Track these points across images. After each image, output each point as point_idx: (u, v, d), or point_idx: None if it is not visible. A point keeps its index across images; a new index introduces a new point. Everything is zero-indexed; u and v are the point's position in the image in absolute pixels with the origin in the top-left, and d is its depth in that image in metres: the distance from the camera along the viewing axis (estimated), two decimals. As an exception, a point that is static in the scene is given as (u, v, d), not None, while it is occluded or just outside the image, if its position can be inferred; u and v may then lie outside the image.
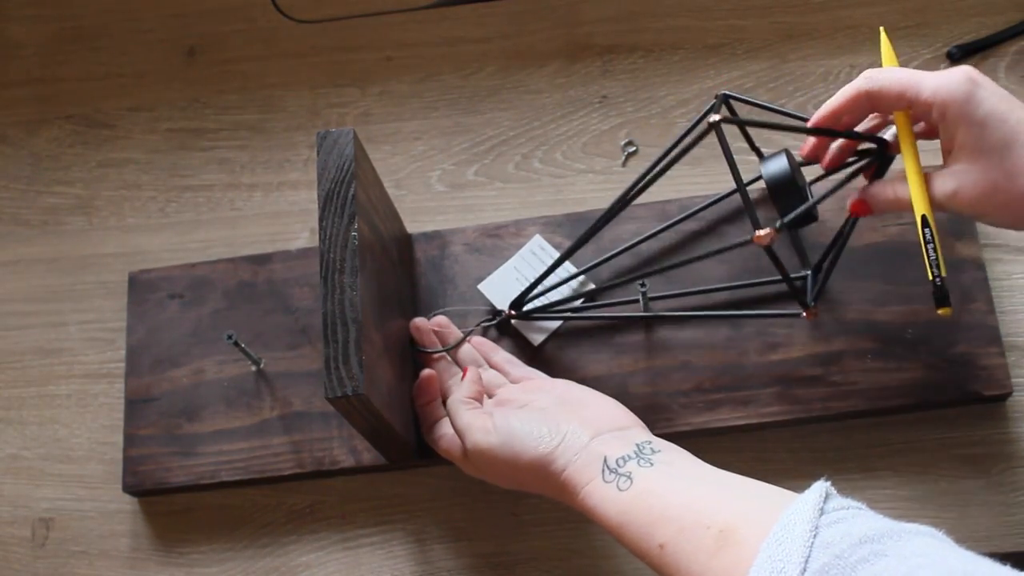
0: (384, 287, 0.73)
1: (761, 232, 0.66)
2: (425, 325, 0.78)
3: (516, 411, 0.70)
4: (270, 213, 0.90)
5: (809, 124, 0.69)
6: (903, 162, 0.67)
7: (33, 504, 0.83)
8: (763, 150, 0.78)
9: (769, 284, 0.79)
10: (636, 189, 0.73)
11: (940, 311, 0.66)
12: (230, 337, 0.78)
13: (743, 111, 0.77)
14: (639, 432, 0.68)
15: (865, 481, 0.77)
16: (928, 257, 0.66)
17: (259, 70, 0.95)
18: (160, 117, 0.94)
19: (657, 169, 0.72)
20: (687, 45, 0.92)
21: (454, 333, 0.79)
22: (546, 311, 0.79)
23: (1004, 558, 0.53)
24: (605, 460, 0.64)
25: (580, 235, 0.75)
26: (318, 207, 0.68)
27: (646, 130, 0.89)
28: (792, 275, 0.71)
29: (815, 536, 0.51)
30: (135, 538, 0.81)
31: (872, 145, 0.70)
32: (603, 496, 0.63)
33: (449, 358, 0.78)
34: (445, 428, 0.73)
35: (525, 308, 0.79)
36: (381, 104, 0.93)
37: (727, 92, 0.72)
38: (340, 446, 0.79)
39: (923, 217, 0.65)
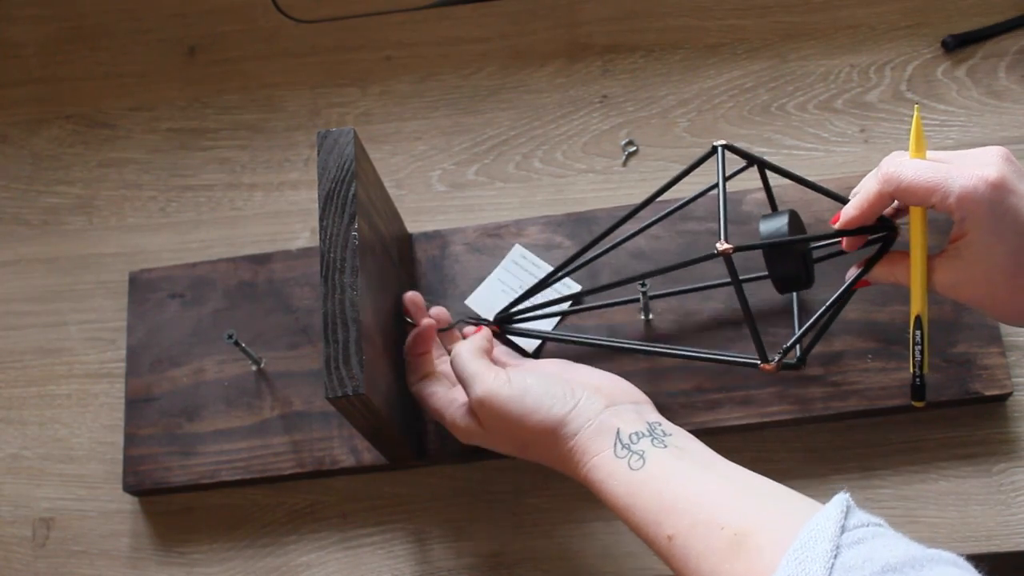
0: (384, 287, 0.73)
1: (767, 366, 0.67)
2: (420, 301, 0.75)
3: (531, 371, 0.69)
4: (270, 213, 0.90)
5: (838, 226, 0.66)
6: (909, 245, 0.65)
7: (33, 504, 0.83)
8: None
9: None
10: (628, 215, 0.75)
11: (916, 403, 0.66)
12: (230, 337, 0.78)
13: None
14: (650, 411, 0.67)
15: (865, 481, 0.77)
16: (914, 357, 0.66)
17: (259, 70, 0.95)
18: (160, 117, 0.94)
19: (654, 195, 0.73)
20: (687, 45, 0.92)
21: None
22: (531, 329, 0.78)
23: (1004, 558, 0.53)
24: (618, 433, 0.63)
25: (572, 255, 0.75)
26: (318, 207, 0.68)
27: (646, 130, 0.89)
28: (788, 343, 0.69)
29: (836, 557, 0.50)
30: (135, 538, 0.81)
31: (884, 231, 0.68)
32: (611, 471, 0.62)
33: (443, 348, 0.77)
34: (437, 386, 0.72)
35: (513, 318, 0.78)
36: (381, 104, 0.93)
37: (728, 144, 0.69)
38: (340, 446, 0.79)
39: (917, 318, 0.65)
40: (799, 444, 0.78)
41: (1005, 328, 0.78)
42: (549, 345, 0.80)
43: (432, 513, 0.80)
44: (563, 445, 0.64)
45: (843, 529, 0.51)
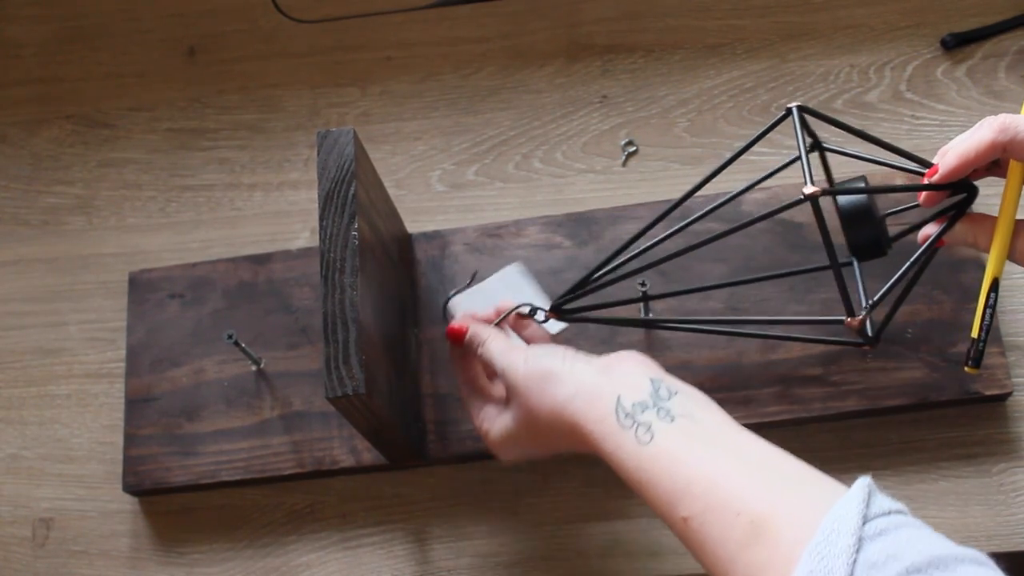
0: (384, 287, 0.73)
1: (852, 321, 0.64)
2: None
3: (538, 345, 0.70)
4: (270, 213, 0.90)
5: (936, 178, 0.63)
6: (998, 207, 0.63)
7: (33, 504, 0.83)
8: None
9: (773, 279, 0.78)
10: (702, 184, 0.72)
11: (970, 369, 0.65)
12: (230, 337, 0.78)
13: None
14: (652, 368, 0.65)
15: (865, 481, 0.77)
16: (983, 321, 0.64)
17: (259, 70, 0.95)
18: (160, 117, 0.94)
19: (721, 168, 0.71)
20: (687, 45, 0.92)
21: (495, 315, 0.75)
22: (588, 316, 0.76)
23: (1004, 558, 0.52)
24: (619, 400, 0.61)
25: (647, 244, 0.72)
26: (318, 207, 0.68)
27: (646, 130, 0.89)
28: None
29: (858, 551, 0.49)
30: (135, 538, 0.81)
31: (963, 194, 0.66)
32: (620, 443, 0.60)
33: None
34: (477, 399, 0.72)
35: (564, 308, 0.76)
36: (381, 104, 0.93)
37: (801, 105, 0.67)
38: (340, 446, 0.79)
39: (995, 281, 0.63)
40: (799, 444, 0.78)
41: (1005, 328, 0.78)
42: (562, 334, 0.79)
43: (432, 513, 0.80)
44: (564, 409, 0.63)
45: (865, 519, 0.50)
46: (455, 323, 0.73)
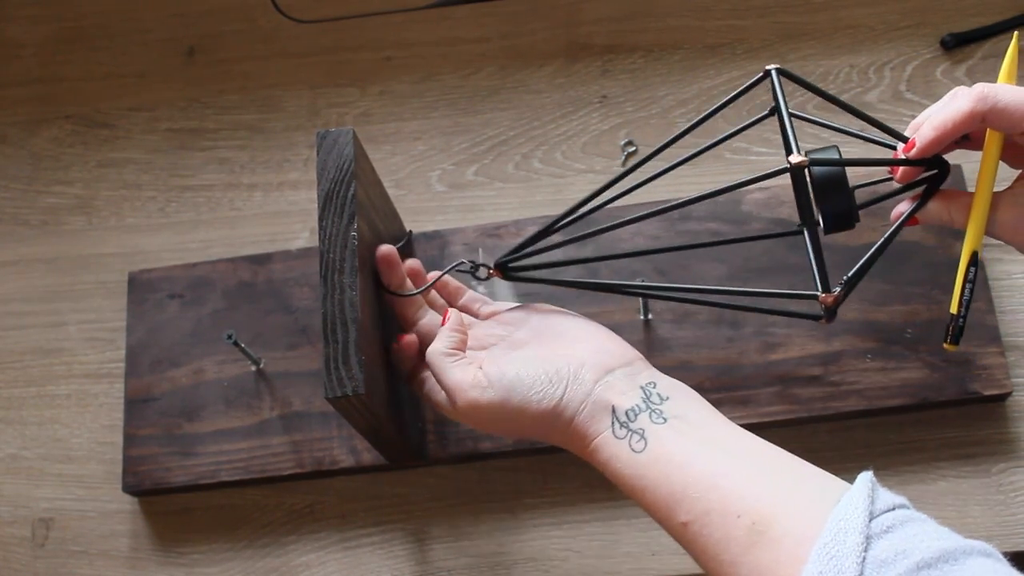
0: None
1: (827, 296, 0.63)
2: (395, 257, 0.70)
3: (508, 358, 0.65)
4: (270, 213, 0.90)
5: (914, 152, 0.63)
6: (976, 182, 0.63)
7: (33, 504, 0.83)
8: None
9: (713, 246, 0.78)
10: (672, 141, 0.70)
11: (948, 346, 0.64)
12: (230, 337, 0.78)
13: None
14: (641, 368, 0.63)
15: (865, 481, 0.77)
16: (962, 296, 0.63)
17: (259, 70, 0.95)
18: (160, 117, 0.94)
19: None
20: (687, 45, 0.92)
21: (428, 278, 0.73)
22: (532, 276, 0.73)
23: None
24: (614, 412, 0.60)
25: (580, 201, 0.70)
26: (318, 207, 0.68)
27: (646, 130, 0.89)
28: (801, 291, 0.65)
29: (866, 550, 0.48)
30: (135, 538, 0.81)
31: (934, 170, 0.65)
32: (614, 453, 0.59)
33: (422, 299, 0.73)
34: (428, 373, 0.69)
35: (514, 265, 0.73)
36: (381, 104, 0.93)
37: (780, 68, 0.65)
38: (340, 446, 0.79)
39: (974, 254, 0.62)
40: (798, 444, 0.78)
41: (1005, 328, 0.78)
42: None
43: (432, 513, 0.80)
44: (561, 431, 0.62)
45: (871, 515, 0.50)
46: (406, 340, 0.70)
